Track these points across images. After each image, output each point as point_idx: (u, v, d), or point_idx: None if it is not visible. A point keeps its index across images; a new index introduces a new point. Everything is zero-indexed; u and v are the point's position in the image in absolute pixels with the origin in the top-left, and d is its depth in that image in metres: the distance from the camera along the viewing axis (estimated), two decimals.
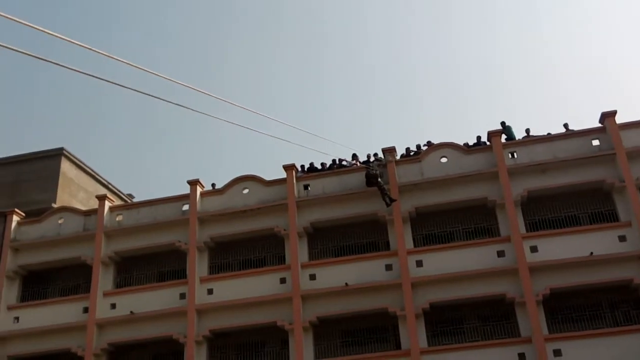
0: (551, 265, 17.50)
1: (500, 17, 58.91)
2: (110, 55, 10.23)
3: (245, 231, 20.14)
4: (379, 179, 19.03)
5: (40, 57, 9.10)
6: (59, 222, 21.69)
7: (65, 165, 25.22)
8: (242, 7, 63.82)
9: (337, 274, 18.79)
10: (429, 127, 57.57)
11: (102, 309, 20.04)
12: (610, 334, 16.75)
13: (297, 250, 19.27)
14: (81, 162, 26.02)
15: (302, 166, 21.44)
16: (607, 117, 18.80)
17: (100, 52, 10.04)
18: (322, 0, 63.46)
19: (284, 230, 19.64)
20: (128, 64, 10.47)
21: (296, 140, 17.66)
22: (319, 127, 60.95)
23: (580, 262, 17.35)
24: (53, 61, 9.36)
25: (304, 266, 19.19)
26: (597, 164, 18.44)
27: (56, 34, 9.14)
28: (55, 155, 25.10)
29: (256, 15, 63.42)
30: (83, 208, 23.06)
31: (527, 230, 18.30)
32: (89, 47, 9.76)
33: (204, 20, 63.20)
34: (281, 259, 19.82)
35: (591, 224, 18.22)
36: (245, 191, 20.66)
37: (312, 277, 19.03)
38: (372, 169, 19.28)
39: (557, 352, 16.59)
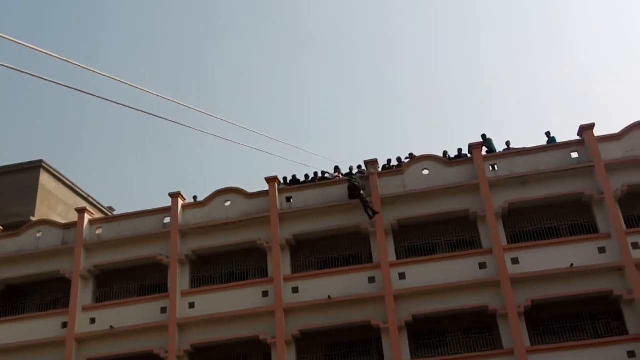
0: (532, 276, 17.62)
1: (484, 29, 59.66)
2: (92, 69, 10.16)
3: (227, 244, 20.01)
4: (362, 191, 19.05)
5: (20, 69, 9.00)
6: (38, 235, 21.36)
7: (45, 178, 24.93)
8: (227, 19, 63.90)
9: (320, 286, 18.73)
10: (412, 138, 57.97)
11: (81, 324, 19.72)
12: (591, 345, 16.87)
13: (280, 263, 19.18)
14: (60, 174, 25.74)
15: (285, 178, 21.41)
16: (586, 130, 19.07)
17: (81, 65, 9.96)
18: (305, 10, 63.80)
19: (267, 242, 19.55)
20: (109, 77, 10.41)
21: (278, 153, 17.68)
22: (302, 139, 61.05)
23: (561, 273, 17.50)
24: (33, 74, 9.27)
25: (286, 279, 19.10)
26: (577, 176, 18.67)
27: (36, 48, 9.05)
28: (34, 167, 24.81)
29: (239, 26, 63.53)
30: (62, 221, 22.77)
31: (508, 242, 18.43)
32: (68, 59, 9.68)
33: (186, 32, 63.12)
34: (263, 272, 19.71)
35: (571, 235, 18.42)
36: (227, 204, 20.56)
37: (295, 290, 18.95)
38: (355, 181, 19.31)
39: None
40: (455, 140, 56.99)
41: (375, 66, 61.63)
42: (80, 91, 10.20)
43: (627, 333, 16.89)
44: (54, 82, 9.78)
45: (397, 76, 61.45)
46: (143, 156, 59.81)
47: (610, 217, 17.89)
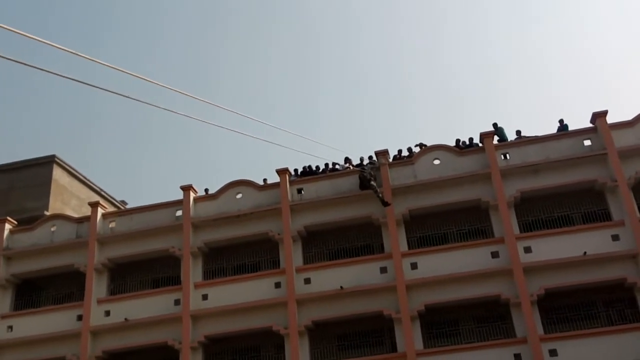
0: (545, 265, 17.53)
1: (493, 17, 59.20)
2: (102, 62, 10.20)
3: (239, 236, 20.09)
4: (372, 182, 19.02)
5: (32, 64, 9.06)
6: (52, 229, 21.56)
7: (58, 173, 25.12)
8: (234, 11, 63.85)
9: (332, 277, 18.76)
10: (423, 128, 57.76)
11: (96, 317, 19.91)
12: (605, 333, 16.80)
13: (292, 255, 19.23)
14: (73, 169, 25.92)
15: (296, 170, 21.43)
16: (598, 117, 18.90)
17: (92, 58, 10.01)
18: (316, 2, 63.60)
19: (278, 234, 19.60)
20: (119, 70, 10.45)
21: (289, 144, 17.69)
22: (312, 131, 60.98)
23: (574, 261, 17.40)
24: (45, 69, 9.32)
25: (298, 270, 19.15)
26: (589, 163, 18.52)
27: (48, 42, 9.11)
28: (47, 162, 25.01)
29: (249, 19, 63.48)
30: (76, 215, 22.95)
31: (520, 231, 18.34)
32: (79, 53, 9.73)
33: (195, 24, 63.18)
34: (276, 264, 19.77)
35: (584, 223, 18.28)
36: (239, 196, 20.61)
37: (307, 281, 19.00)
38: (365, 172, 19.29)
39: (552, 352, 16.62)
40: (466, 130, 56.80)
41: (386, 57, 61.41)
42: (92, 85, 10.26)
43: None
44: (66, 77, 9.84)
45: (407, 66, 61.19)
46: (154, 150, 60.14)
47: (623, 204, 17.74)
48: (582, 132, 19.12)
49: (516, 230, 18.23)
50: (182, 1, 63.11)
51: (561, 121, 20.11)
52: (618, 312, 17.38)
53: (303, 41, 63.31)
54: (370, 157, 20.92)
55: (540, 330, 16.98)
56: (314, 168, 21.52)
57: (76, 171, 26.07)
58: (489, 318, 18.06)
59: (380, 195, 18.83)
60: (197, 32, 63.24)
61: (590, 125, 19.17)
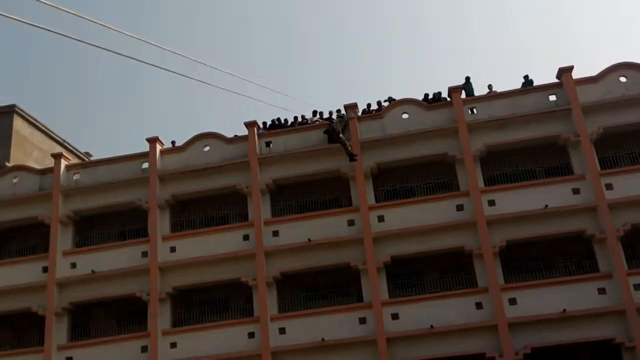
0: (508, 218, 17.98)
1: None
2: (67, 10, 9.85)
3: (207, 189, 20.01)
4: (341, 135, 19.03)
5: None
6: (14, 181, 21.11)
7: (18, 123, 24.44)
8: None
9: (300, 230, 18.93)
10: (393, 83, 57.66)
11: (62, 269, 19.78)
12: (562, 282, 17.42)
13: (260, 207, 19.29)
14: (35, 119, 25.24)
15: (264, 123, 21.26)
16: (564, 72, 19.11)
17: (60, 7, 9.65)
18: None
19: (247, 187, 19.59)
20: (84, 18, 10.11)
21: (258, 96, 17.49)
22: (282, 83, 60.35)
23: (535, 214, 17.87)
24: (5, 14, 8.96)
25: (266, 223, 19.25)
26: (554, 119, 18.82)
27: None
28: (7, 112, 24.27)
29: None
30: (38, 167, 22.47)
31: (485, 185, 18.69)
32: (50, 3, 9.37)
33: None
34: (244, 217, 19.82)
35: (547, 177, 18.71)
36: (206, 149, 20.43)
37: (275, 233, 19.13)
38: (334, 125, 19.26)
39: (512, 301, 17.23)
40: (436, 84, 56.88)
41: (358, 9, 60.57)
42: (56, 32, 9.92)
43: (598, 271, 17.44)
44: (29, 24, 9.48)
45: (378, 19, 60.57)
46: (120, 100, 58.82)
47: (585, 159, 18.17)
48: (548, 87, 19.35)
49: (481, 183, 18.57)
50: None
51: (526, 77, 20.30)
52: (576, 263, 17.99)
53: None
54: (338, 111, 20.85)
55: (500, 280, 17.53)
56: (282, 121, 21.37)
57: (38, 122, 25.39)
58: (452, 269, 18.53)
59: (349, 148, 18.89)
60: None
61: (556, 80, 19.40)
